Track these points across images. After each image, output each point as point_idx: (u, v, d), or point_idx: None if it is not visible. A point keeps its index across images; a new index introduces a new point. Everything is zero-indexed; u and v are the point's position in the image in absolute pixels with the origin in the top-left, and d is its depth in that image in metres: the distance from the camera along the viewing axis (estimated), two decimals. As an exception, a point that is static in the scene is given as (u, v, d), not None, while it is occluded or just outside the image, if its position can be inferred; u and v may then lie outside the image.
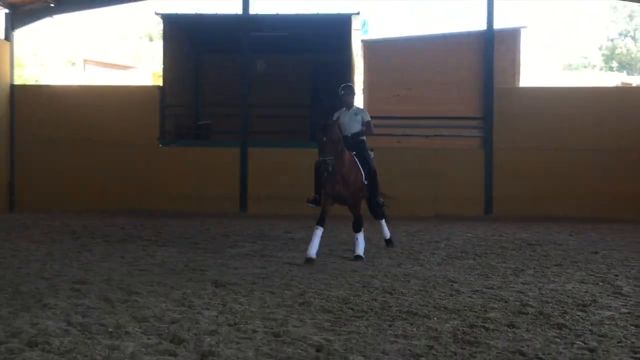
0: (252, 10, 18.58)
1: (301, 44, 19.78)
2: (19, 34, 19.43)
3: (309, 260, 8.88)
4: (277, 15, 19.04)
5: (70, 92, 19.67)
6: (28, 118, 18.61)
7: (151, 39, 39.66)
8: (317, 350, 4.78)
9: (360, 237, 9.57)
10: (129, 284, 7.14)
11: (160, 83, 19.07)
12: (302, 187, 15.07)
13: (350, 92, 10.46)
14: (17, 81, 19.73)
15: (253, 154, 17.17)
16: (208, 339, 5.00)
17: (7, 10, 18.57)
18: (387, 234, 10.85)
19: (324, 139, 9.01)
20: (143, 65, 33.56)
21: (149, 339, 5.03)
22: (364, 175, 9.73)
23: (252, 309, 6.05)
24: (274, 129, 17.96)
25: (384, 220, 10.79)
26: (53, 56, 35.60)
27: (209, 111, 20.35)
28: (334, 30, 18.79)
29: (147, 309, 5.99)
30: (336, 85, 19.47)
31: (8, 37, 18.73)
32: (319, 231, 9.16)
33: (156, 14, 19.07)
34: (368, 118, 10.35)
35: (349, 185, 9.48)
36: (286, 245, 10.84)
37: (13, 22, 18.81)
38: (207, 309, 6.06)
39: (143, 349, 4.75)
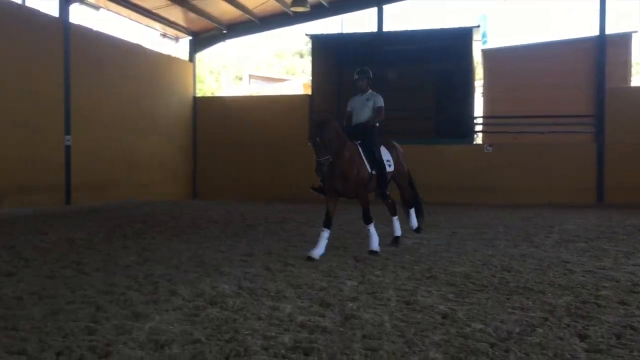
0: (385, 28, 18.57)
1: (427, 54, 19.48)
2: (199, 56, 20.61)
3: (310, 259, 7.24)
4: (406, 31, 18.86)
5: (238, 101, 20.67)
6: (206, 123, 19.77)
7: (302, 56, 40.56)
8: (443, 317, 4.72)
9: (372, 229, 7.79)
10: (285, 257, 7.39)
11: (309, 92, 19.52)
12: (430, 179, 14.92)
13: (364, 77, 8.32)
14: (198, 94, 20.87)
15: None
16: (350, 304, 5.07)
17: (190, 38, 19.78)
18: (414, 223, 8.93)
19: (317, 139, 7.33)
20: (295, 78, 34.41)
21: (302, 302, 5.17)
22: (368, 167, 7.82)
23: (386, 281, 6.07)
24: (403, 130, 17.83)
25: (413, 210, 8.92)
26: (225, 72, 37.40)
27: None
28: (457, 42, 18.34)
29: (300, 277, 6.17)
30: (457, 91, 19.35)
31: (191, 59, 19.97)
32: (325, 234, 7.53)
33: (306, 34, 19.57)
34: (380, 104, 8.25)
35: (350, 181, 7.66)
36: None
37: (195, 47, 20.01)
38: (349, 279, 6.15)
39: (298, 310, 4.90)
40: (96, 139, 15.34)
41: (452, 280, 6.10)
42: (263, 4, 18.19)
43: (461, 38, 18.19)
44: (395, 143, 8.76)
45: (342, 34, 21.18)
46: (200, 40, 19.94)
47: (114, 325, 4.39)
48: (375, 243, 7.76)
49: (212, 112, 19.71)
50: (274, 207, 15.32)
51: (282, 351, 3.89)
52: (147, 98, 17.51)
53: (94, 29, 15.76)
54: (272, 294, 5.42)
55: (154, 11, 17.45)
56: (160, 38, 19.53)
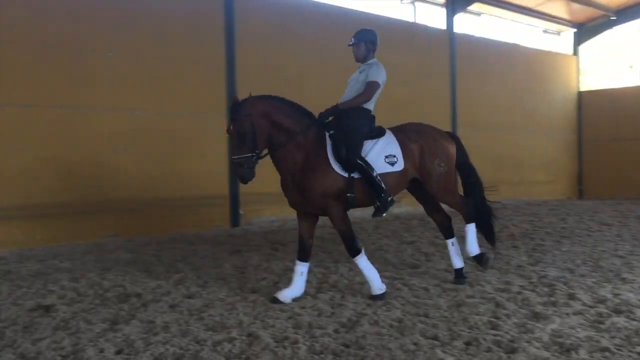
0: None
1: None
2: (583, 47, 19.40)
3: (275, 301, 5.27)
4: None
5: (629, 93, 18.63)
6: (593, 118, 18.52)
7: None
8: None
9: (363, 263, 5.36)
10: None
11: None
12: None
13: (359, 41, 5.72)
14: (583, 88, 19.71)
15: None
16: None
17: (574, 30, 18.78)
18: (473, 248, 5.94)
19: (231, 127, 5.13)
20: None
21: None
22: (338, 169, 5.28)
23: None
24: None
25: (472, 226, 6.00)
26: (611, 62, 34.25)
27: None
28: None
29: None
30: None
31: (575, 51, 18.96)
32: (300, 268, 5.42)
33: None
34: (373, 77, 5.60)
35: (307, 191, 5.27)
36: None
37: (579, 39, 18.93)
38: None
39: None
40: (481, 140, 15.86)
41: None
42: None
43: None
44: (423, 128, 5.98)
45: None
46: (585, 30, 18.75)
47: (515, 323, 4.50)
48: (375, 283, 5.37)
49: (598, 106, 18.34)
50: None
51: None
52: (528, 96, 17.32)
53: (475, 35, 16.36)
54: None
55: (535, 8, 17.15)
56: (541, 34, 19.07)
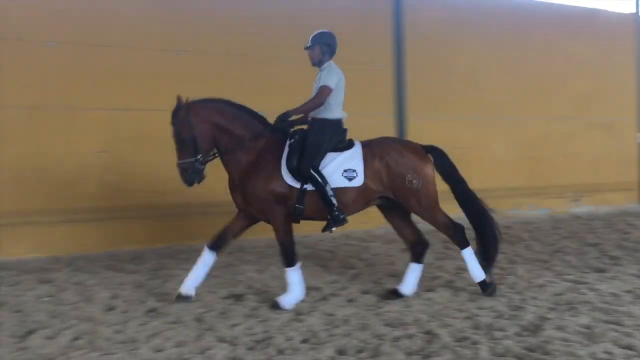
0: None
1: None
2: None
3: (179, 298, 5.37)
4: None
5: None
6: None
7: None
8: None
9: (293, 277, 5.23)
10: None
11: None
12: None
13: (314, 44, 5.45)
14: None
15: None
16: None
17: None
18: (476, 274, 5.44)
19: (173, 128, 5.14)
20: None
21: None
22: (287, 178, 5.17)
23: None
24: None
25: (468, 250, 5.44)
26: None
27: None
28: None
29: None
30: None
31: None
32: (206, 256, 5.40)
33: None
34: (323, 82, 5.33)
35: (249, 197, 5.25)
36: None
37: None
38: None
39: None
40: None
41: None
42: None
43: None
44: (390, 143, 5.58)
45: None
46: None
47: None
48: (291, 297, 5.22)
49: None
50: None
51: None
52: None
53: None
54: None
55: None
56: None
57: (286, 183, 5.22)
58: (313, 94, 5.48)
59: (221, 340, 4.36)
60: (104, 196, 8.09)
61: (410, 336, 4.33)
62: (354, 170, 5.33)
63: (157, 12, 8.68)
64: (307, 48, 5.53)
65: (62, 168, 7.87)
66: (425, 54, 10.88)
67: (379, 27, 10.60)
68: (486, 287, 5.44)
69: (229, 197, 5.60)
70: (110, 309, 5.25)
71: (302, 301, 5.31)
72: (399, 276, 6.28)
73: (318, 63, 5.51)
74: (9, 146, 7.62)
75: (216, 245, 5.45)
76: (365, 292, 5.69)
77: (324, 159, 5.32)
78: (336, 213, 5.20)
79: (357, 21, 10.36)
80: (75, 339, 4.43)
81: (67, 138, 7.95)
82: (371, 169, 5.37)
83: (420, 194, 5.39)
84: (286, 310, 5.10)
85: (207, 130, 5.19)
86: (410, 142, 5.77)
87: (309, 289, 5.82)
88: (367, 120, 10.26)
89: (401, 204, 5.48)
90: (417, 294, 5.53)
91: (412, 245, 5.66)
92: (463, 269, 6.38)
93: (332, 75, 5.38)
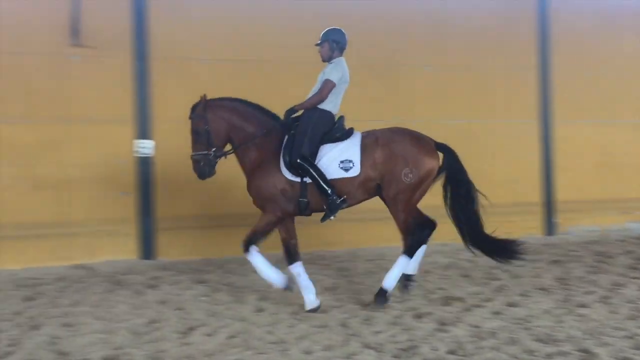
0: None
1: None
2: None
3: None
4: None
5: None
6: None
7: None
8: None
9: (254, 260, 5.41)
10: None
11: None
12: None
13: (324, 40, 5.60)
14: None
15: None
16: None
17: None
18: (389, 281, 5.40)
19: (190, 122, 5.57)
20: None
21: None
22: (284, 171, 5.35)
23: None
24: None
25: (405, 259, 5.43)
26: None
27: None
28: None
29: None
30: None
31: None
32: (295, 269, 5.53)
33: None
34: (327, 76, 5.47)
35: (254, 189, 5.51)
36: None
37: None
38: None
39: None
40: None
41: None
42: None
43: None
44: (400, 134, 5.55)
45: None
46: None
47: None
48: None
49: None
50: None
51: None
52: None
53: None
54: None
55: None
56: None
57: (286, 178, 5.38)
58: (316, 86, 5.59)
59: (366, 346, 4.43)
60: (251, 203, 8.50)
61: (564, 354, 4.12)
62: (350, 161, 5.37)
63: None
64: (317, 44, 5.68)
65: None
66: (573, 54, 10.31)
67: (522, 25, 10.21)
68: (382, 297, 5.41)
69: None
70: (260, 310, 5.54)
71: (447, 312, 5.27)
72: (547, 290, 6.02)
73: (328, 59, 5.65)
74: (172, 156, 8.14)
75: (292, 259, 5.59)
76: (512, 305, 5.49)
77: (320, 150, 5.41)
78: (332, 198, 5.25)
79: (500, 21, 10.07)
80: (231, 337, 4.73)
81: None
82: (370, 159, 5.39)
83: (405, 188, 5.36)
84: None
85: (221, 126, 5.49)
86: (423, 136, 5.65)
87: (451, 299, 5.75)
88: (512, 127, 9.95)
89: (383, 190, 5.43)
90: (568, 310, 5.24)
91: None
92: (620, 284, 5.99)
93: (337, 70, 5.52)
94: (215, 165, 5.56)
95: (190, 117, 5.57)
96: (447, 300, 5.71)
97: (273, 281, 5.45)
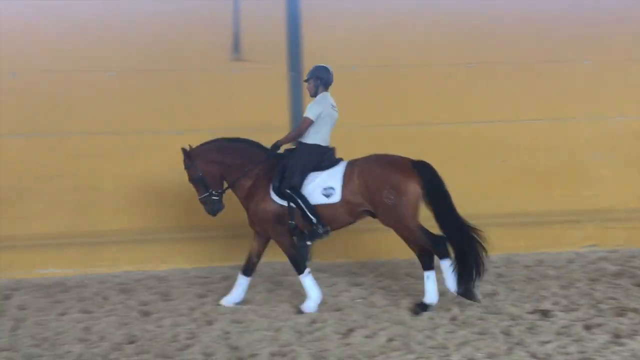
0: None
1: None
2: None
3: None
4: None
5: None
6: None
7: None
8: None
9: (306, 281, 5.79)
10: None
11: None
12: None
13: (309, 77, 6.05)
14: None
15: None
16: None
17: None
18: (451, 284, 5.49)
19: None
20: None
21: None
22: (273, 196, 5.80)
23: None
24: None
25: (447, 261, 5.47)
26: None
27: None
28: None
29: None
30: None
31: None
32: (241, 280, 6.08)
33: None
34: (305, 114, 5.95)
35: (250, 214, 6.00)
36: None
37: None
38: None
39: None
40: None
41: None
42: None
43: None
44: (375, 160, 5.80)
45: None
46: None
47: None
48: (311, 302, 5.75)
49: None
50: None
51: None
52: None
53: None
54: None
55: None
56: None
57: (275, 203, 5.81)
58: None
59: (533, 356, 4.26)
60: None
61: None
62: (332, 188, 5.74)
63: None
64: (305, 81, 6.16)
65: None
66: None
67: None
68: (465, 294, 5.48)
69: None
70: (417, 314, 5.51)
71: (622, 323, 4.89)
72: None
73: (314, 95, 6.04)
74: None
75: (248, 270, 6.07)
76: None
77: (307, 178, 5.79)
78: (314, 228, 5.71)
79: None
80: (390, 340, 4.77)
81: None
82: (352, 185, 5.69)
83: (393, 210, 5.55)
84: (305, 312, 5.57)
85: (211, 167, 5.97)
86: (396, 158, 5.81)
87: (625, 309, 5.34)
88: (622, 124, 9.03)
89: (378, 217, 5.73)
90: None
91: (419, 254, 5.74)
92: None
93: (317, 106, 5.88)
94: (221, 200, 6.07)
95: (185, 169, 6.11)
96: (620, 311, 5.30)
97: (311, 304, 5.74)
